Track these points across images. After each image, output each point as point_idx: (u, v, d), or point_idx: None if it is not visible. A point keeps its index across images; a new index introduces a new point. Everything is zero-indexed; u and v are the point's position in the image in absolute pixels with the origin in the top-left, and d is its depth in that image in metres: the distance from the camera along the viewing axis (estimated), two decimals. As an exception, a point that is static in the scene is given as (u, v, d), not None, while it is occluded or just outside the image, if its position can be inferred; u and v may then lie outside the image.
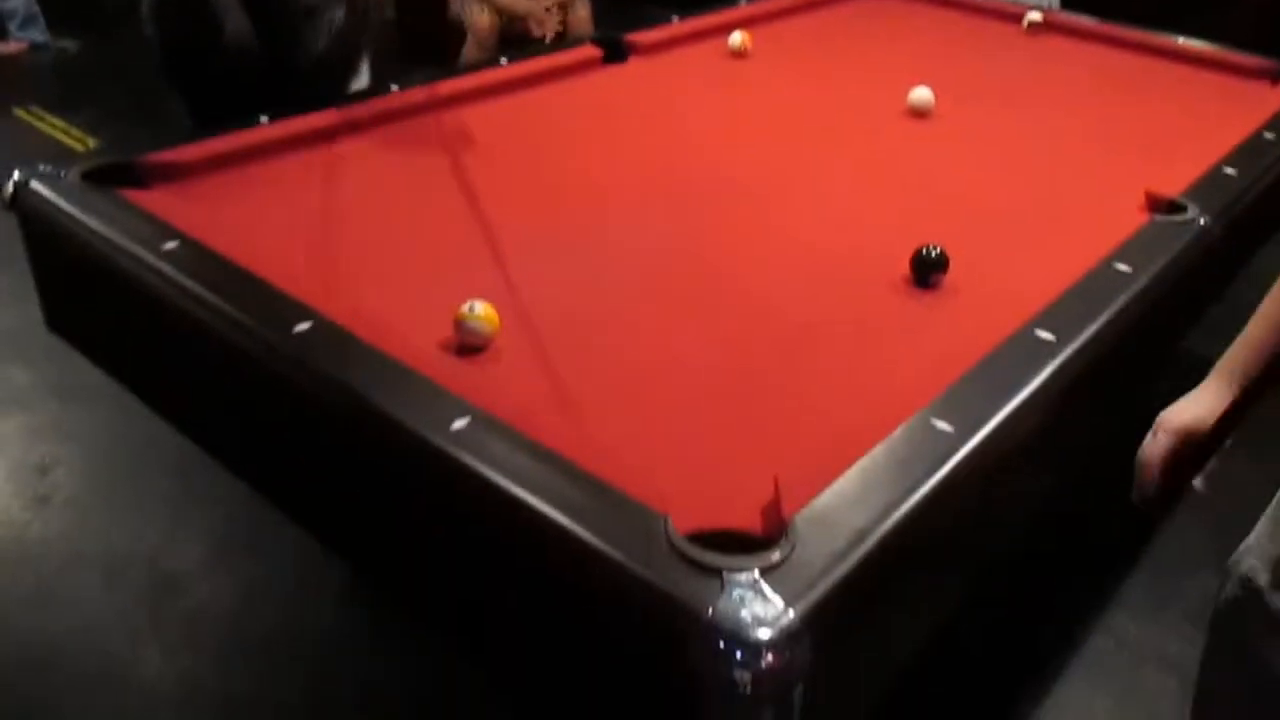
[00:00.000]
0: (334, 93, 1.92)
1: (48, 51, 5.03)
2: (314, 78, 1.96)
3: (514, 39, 3.60)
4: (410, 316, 1.29)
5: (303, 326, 1.20)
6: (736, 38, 2.33)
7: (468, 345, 1.24)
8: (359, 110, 1.82)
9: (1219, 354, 1.16)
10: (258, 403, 1.28)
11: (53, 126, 4.17)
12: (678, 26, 2.39)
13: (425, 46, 4.26)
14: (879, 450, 1.07)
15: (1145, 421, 1.16)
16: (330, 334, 1.20)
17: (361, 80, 2.10)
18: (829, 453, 1.08)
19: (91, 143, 3.98)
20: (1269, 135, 1.99)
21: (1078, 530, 2.20)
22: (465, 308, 1.24)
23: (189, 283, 1.28)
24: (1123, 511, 1.23)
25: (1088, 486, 1.81)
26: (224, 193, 1.59)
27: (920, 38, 2.62)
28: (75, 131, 4.10)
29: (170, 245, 1.35)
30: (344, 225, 1.55)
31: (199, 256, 1.34)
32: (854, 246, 1.58)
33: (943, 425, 1.10)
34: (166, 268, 1.31)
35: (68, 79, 4.84)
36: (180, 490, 2.26)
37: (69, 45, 5.08)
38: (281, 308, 1.24)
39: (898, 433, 1.09)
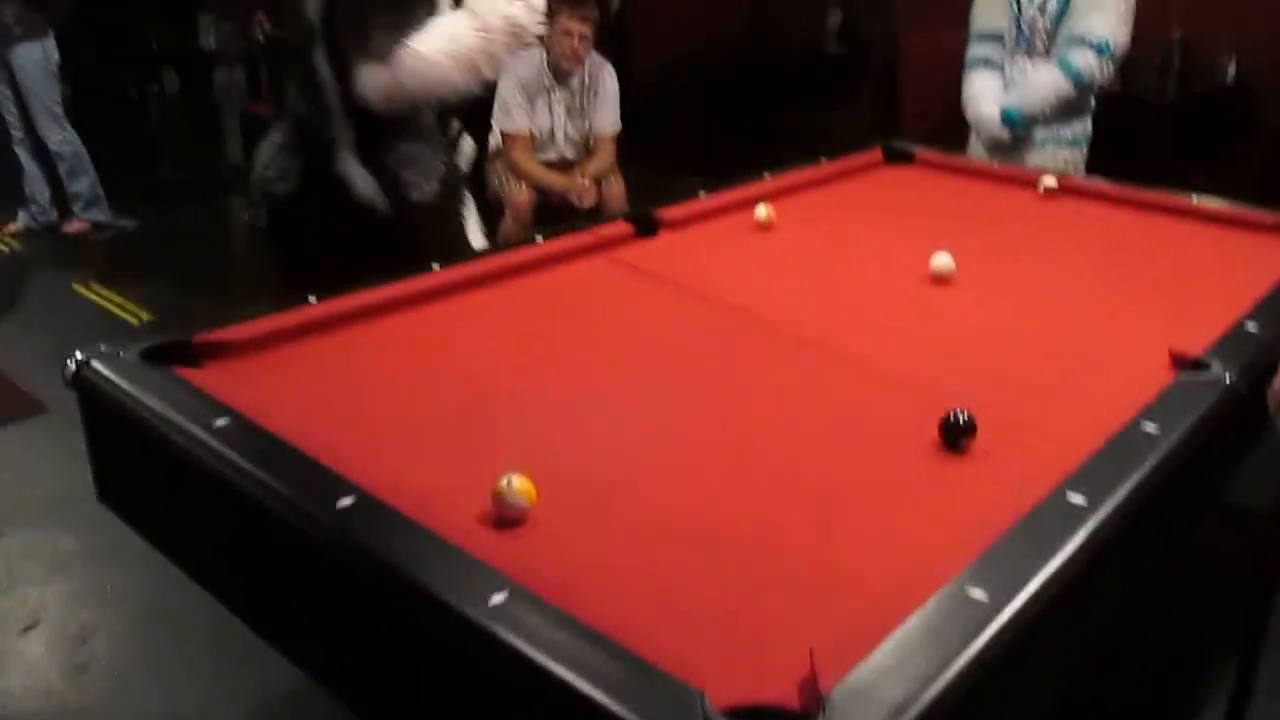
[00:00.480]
0: (442, 241, 2.13)
1: (109, 230, 5.29)
2: (426, 223, 2.25)
3: (552, 213, 3.75)
4: (452, 489, 1.33)
5: (346, 501, 1.24)
6: (762, 210, 2.43)
7: (506, 518, 1.27)
8: (402, 288, 1.90)
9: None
10: (302, 576, 1.31)
11: (109, 301, 4.36)
12: (705, 201, 2.50)
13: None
14: (914, 620, 1.07)
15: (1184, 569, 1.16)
16: (372, 508, 1.24)
17: (471, 227, 2.41)
18: (862, 621, 1.08)
19: (145, 315, 4.14)
20: (1290, 291, 2.03)
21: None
22: (503, 482, 1.27)
23: (237, 458, 1.33)
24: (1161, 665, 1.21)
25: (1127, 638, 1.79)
26: (273, 369, 1.66)
27: (940, 205, 2.72)
28: (131, 305, 4.28)
29: (221, 422, 1.41)
30: (388, 399, 1.61)
31: (248, 433, 1.39)
32: (883, 410, 1.61)
33: (977, 593, 1.11)
34: (217, 444, 1.36)
35: (126, 255, 5.09)
36: (219, 657, 2.26)
37: (128, 224, 5.35)
38: (326, 483, 1.28)
39: (931, 602, 1.09)
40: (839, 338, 1.88)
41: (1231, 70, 4.93)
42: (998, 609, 1.09)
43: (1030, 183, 2.81)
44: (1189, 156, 4.58)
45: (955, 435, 1.47)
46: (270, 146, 2.40)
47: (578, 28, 3.57)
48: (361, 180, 2.27)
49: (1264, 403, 1.65)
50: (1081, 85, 3.28)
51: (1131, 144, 4.61)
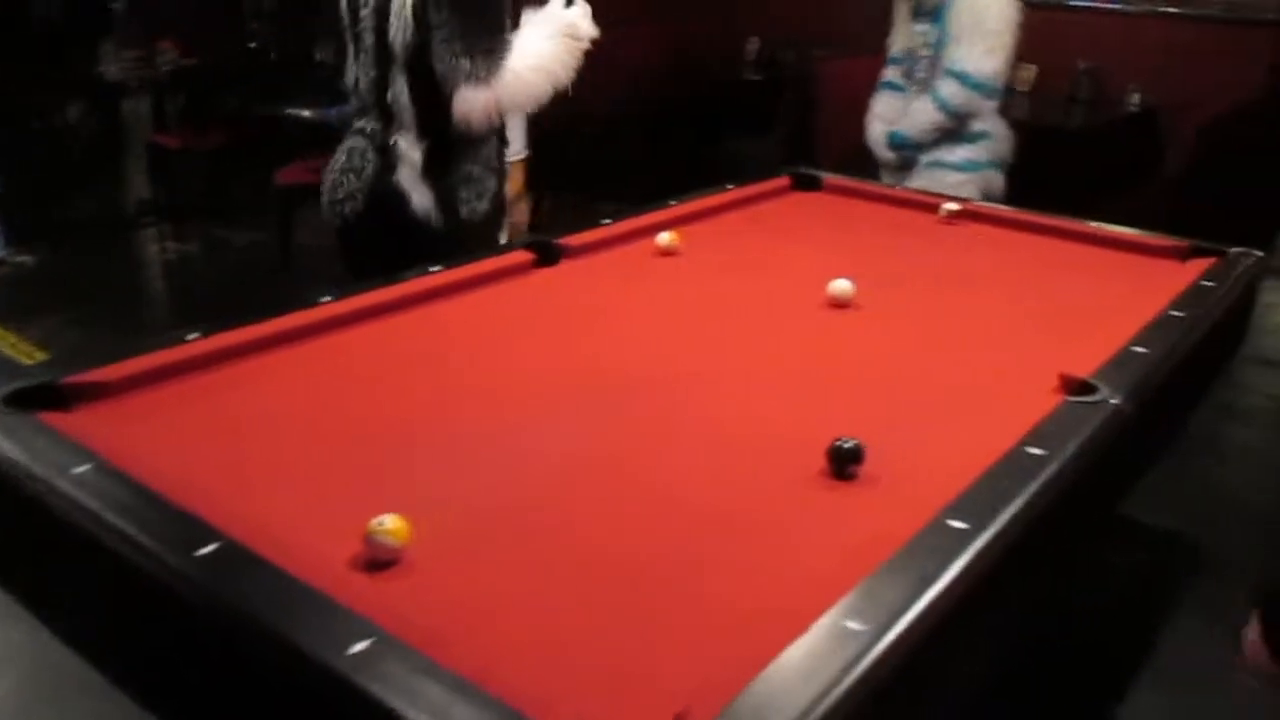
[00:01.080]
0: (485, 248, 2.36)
1: (4, 265, 5.12)
2: (470, 238, 2.43)
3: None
4: (325, 531, 1.28)
5: (207, 549, 1.19)
6: (665, 236, 2.41)
7: (379, 560, 1.23)
8: (287, 322, 1.84)
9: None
10: (164, 629, 1.25)
11: (2, 340, 4.21)
12: (609, 229, 2.48)
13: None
14: (790, 653, 1.05)
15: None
16: (234, 555, 1.18)
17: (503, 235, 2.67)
18: (741, 656, 1.06)
19: (41, 355, 4.00)
20: (1177, 313, 2.06)
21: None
22: (375, 521, 1.23)
23: (96, 506, 1.27)
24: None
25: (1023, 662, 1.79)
26: (145, 411, 1.59)
27: (843, 230, 2.74)
28: (25, 345, 4.13)
29: (80, 469, 1.34)
30: (267, 439, 1.55)
31: (109, 480, 1.32)
32: (773, 438, 1.60)
33: (854, 625, 1.09)
34: (73, 492, 1.30)
35: (23, 292, 4.91)
36: (104, 714, 2.16)
37: (26, 259, 5.18)
38: (187, 530, 1.22)
39: (807, 635, 1.07)
40: (734, 365, 1.87)
41: (1136, 99, 5.08)
42: (875, 639, 1.08)
43: (933, 206, 2.84)
44: (1099, 183, 4.69)
45: (842, 462, 1.46)
46: (333, 171, 2.60)
47: None
48: (418, 195, 2.47)
49: (1157, 423, 1.67)
50: (949, 113, 3.36)
51: (1044, 172, 4.72)
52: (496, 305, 2.09)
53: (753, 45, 6.36)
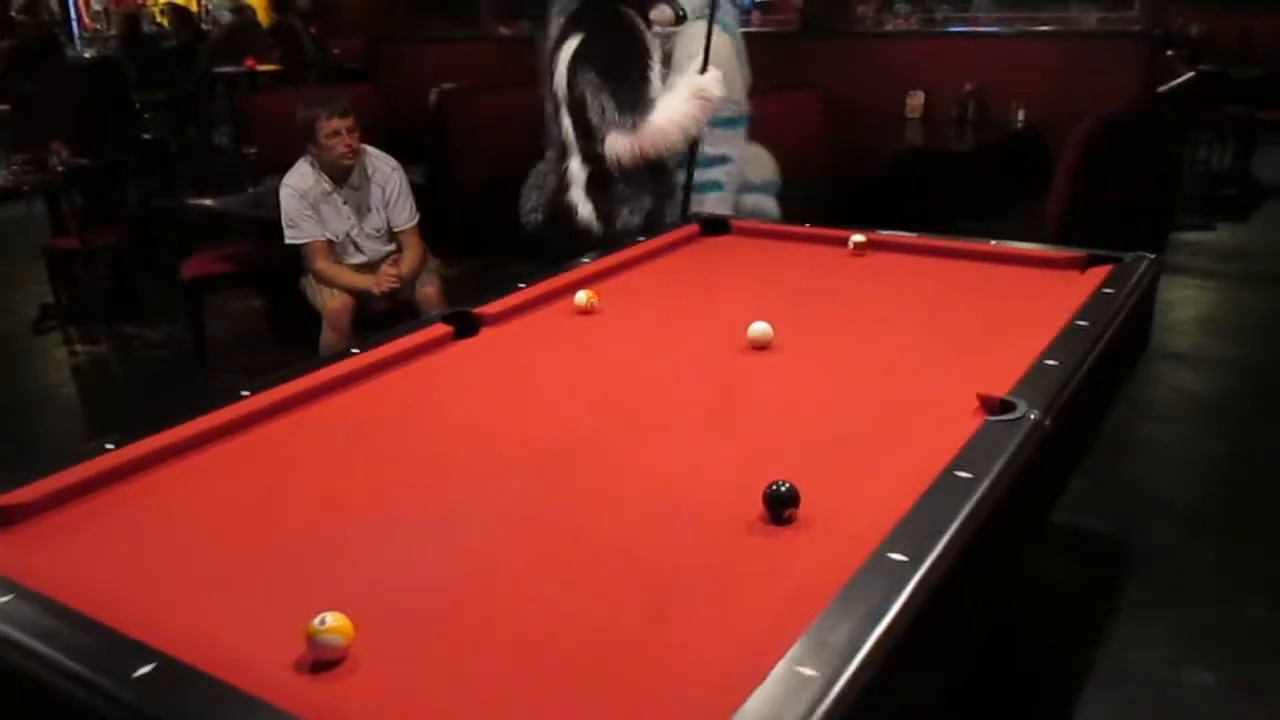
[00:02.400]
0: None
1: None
2: (616, 242, 2.99)
3: (373, 317, 3.68)
4: (266, 636, 1.25)
5: (144, 669, 1.15)
6: (582, 296, 2.43)
7: (323, 660, 1.20)
8: (207, 421, 1.81)
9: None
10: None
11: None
12: (524, 293, 2.48)
13: (292, 334, 4.34)
14: (749, 706, 1.05)
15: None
16: (173, 672, 1.15)
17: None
18: (705, 711, 1.07)
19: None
20: (1083, 322, 2.13)
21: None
22: (316, 621, 1.20)
23: (19, 636, 1.22)
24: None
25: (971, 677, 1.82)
26: (68, 529, 1.54)
27: (756, 272, 2.78)
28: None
29: (2, 600, 1.29)
30: (198, 545, 1.50)
31: (31, 607, 1.28)
32: (709, 488, 1.61)
33: (808, 671, 1.10)
34: (-1, 626, 1.25)
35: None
36: None
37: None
38: (121, 650, 1.18)
39: (762, 687, 1.07)
40: (664, 417, 1.88)
41: (1021, 116, 5.27)
42: (830, 683, 1.08)
43: (839, 241, 2.90)
44: (989, 200, 4.84)
45: (778, 506, 1.47)
46: (526, 189, 3.54)
47: (341, 124, 3.59)
48: (583, 208, 3.28)
49: (1076, 432, 1.72)
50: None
51: (935, 192, 4.87)
52: (421, 381, 2.08)
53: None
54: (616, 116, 3.18)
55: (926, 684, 1.38)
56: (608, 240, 3.12)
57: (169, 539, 1.52)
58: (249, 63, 9.13)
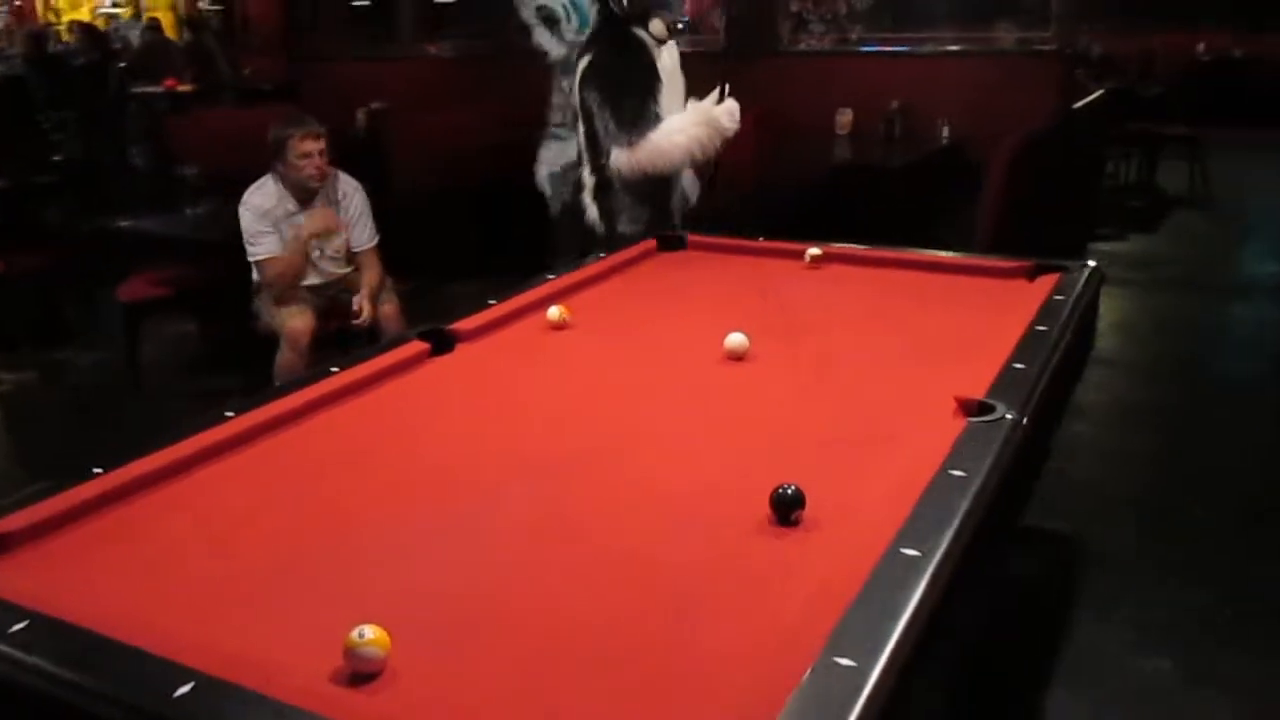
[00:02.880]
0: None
1: None
2: (617, 245, 3.22)
3: (330, 336, 3.64)
4: (300, 651, 1.25)
5: (184, 689, 1.14)
6: (554, 311, 2.45)
7: (362, 673, 1.21)
8: (198, 442, 1.79)
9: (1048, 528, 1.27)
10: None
11: None
12: (496, 309, 2.50)
13: (232, 357, 4.27)
14: (793, 701, 1.09)
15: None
16: (213, 690, 1.14)
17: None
18: (743, 710, 1.10)
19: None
20: (1041, 327, 2.23)
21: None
22: (355, 634, 1.21)
23: (46, 665, 1.20)
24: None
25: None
26: (71, 554, 1.51)
27: (719, 286, 2.84)
28: None
29: (17, 627, 1.27)
30: (208, 563, 1.49)
31: (53, 633, 1.26)
32: (710, 494, 1.65)
33: (846, 661, 1.14)
34: (17, 653, 1.23)
35: None
36: None
37: None
38: (157, 672, 1.17)
39: (805, 680, 1.12)
40: (652, 430, 1.91)
41: (946, 133, 5.44)
42: (868, 671, 1.13)
43: (795, 254, 2.98)
44: (919, 213, 4.99)
45: (786, 509, 1.52)
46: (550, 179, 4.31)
47: (313, 145, 3.57)
48: (591, 211, 3.56)
49: (1045, 431, 1.80)
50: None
51: (867, 207, 5.00)
52: (408, 397, 2.08)
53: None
54: (616, 132, 3.37)
55: (942, 672, 1.43)
56: (611, 240, 3.39)
57: (179, 560, 1.50)
58: (168, 83, 8.92)
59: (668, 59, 3.52)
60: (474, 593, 1.40)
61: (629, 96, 3.42)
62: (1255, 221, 7.04)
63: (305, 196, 3.66)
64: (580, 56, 3.59)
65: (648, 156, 3.39)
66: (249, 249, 3.64)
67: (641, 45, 3.49)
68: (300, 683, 1.18)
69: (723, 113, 3.43)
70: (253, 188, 3.66)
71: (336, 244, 3.77)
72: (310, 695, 1.15)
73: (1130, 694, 2.39)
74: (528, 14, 4.23)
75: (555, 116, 4.51)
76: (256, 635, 1.30)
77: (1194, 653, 2.52)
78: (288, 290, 3.66)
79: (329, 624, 1.25)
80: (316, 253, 3.73)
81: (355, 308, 3.70)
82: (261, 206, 3.60)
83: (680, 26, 3.62)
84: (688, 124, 3.42)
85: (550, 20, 4.17)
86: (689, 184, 3.82)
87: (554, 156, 4.43)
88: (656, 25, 3.48)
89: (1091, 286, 2.61)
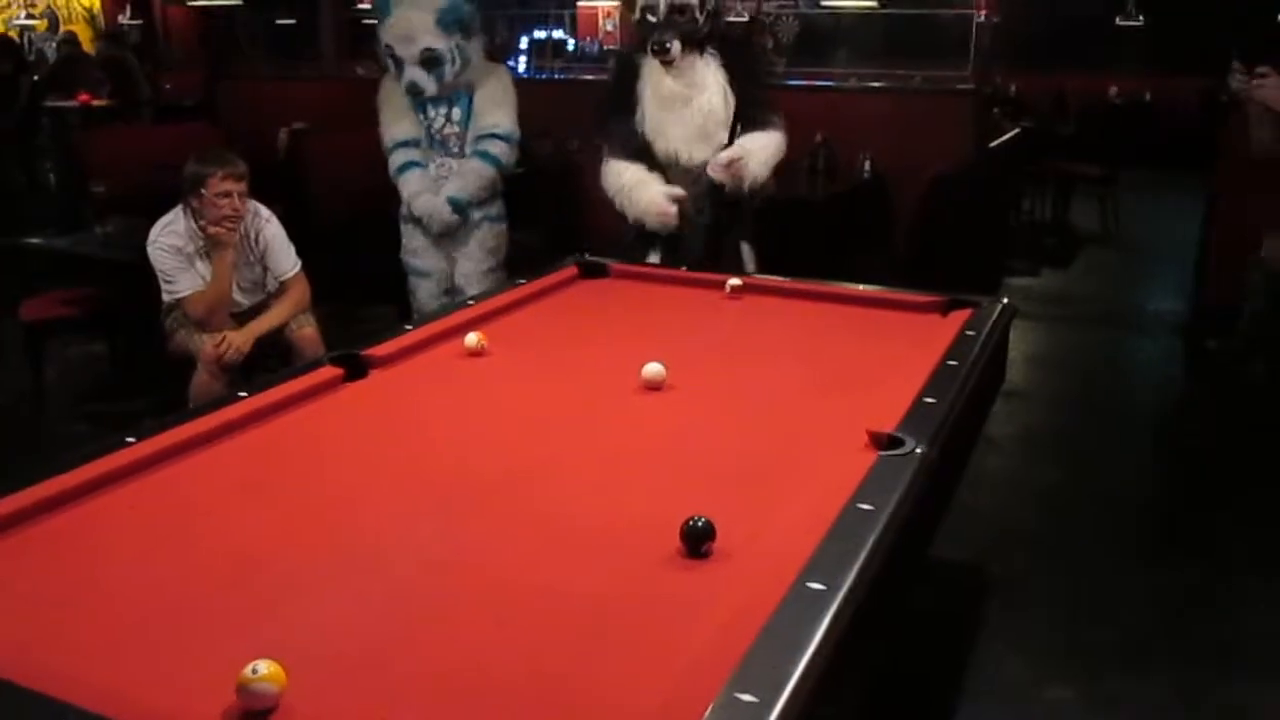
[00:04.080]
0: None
1: None
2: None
3: (246, 359, 3.55)
4: (194, 690, 1.21)
5: (66, 731, 1.10)
6: (472, 338, 2.43)
7: (255, 710, 1.17)
8: (95, 470, 1.73)
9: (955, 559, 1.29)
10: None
11: None
12: (412, 335, 2.47)
13: (142, 379, 4.15)
14: (695, 737, 1.08)
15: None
16: (96, 731, 1.10)
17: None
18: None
19: None
20: (952, 362, 2.28)
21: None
22: (248, 670, 1.18)
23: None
24: None
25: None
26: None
27: (640, 314, 2.85)
28: None
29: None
30: (98, 598, 1.43)
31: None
32: (621, 526, 1.64)
33: (747, 698, 1.14)
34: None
35: None
36: None
37: None
38: (38, 712, 1.13)
39: (707, 715, 1.11)
40: (567, 457, 1.91)
41: (867, 167, 5.55)
42: (770, 706, 1.13)
43: (717, 284, 3.00)
44: (841, 246, 5.07)
45: (697, 541, 1.52)
46: None
47: (234, 186, 3.44)
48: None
49: (949, 465, 1.83)
50: (500, 168, 4.31)
51: (790, 240, 5.06)
52: (315, 424, 2.04)
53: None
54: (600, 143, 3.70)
55: (846, 705, 1.44)
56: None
57: (69, 595, 1.44)
58: (82, 97, 8.70)
59: (672, 83, 3.55)
60: (376, 627, 1.37)
61: (606, 118, 3.69)
62: (1162, 258, 7.28)
63: (228, 232, 3.56)
64: None
65: (603, 169, 3.65)
66: (167, 287, 3.52)
67: (628, 67, 3.68)
68: (189, 721, 1.14)
69: (651, 206, 3.54)
70: (161, 225, 3.51)
71: (251, 277, 3.68)
72: (198, 735, 1.11)
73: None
74: (407, 52, 4.13)
75: (408, 142, 4.40)
76: (144, 672, 1.25)
77: (1096, 682, 2.57)
78: (215, 321, 3.55)
79: (223, 661, 1.21)
80: (233, 287, 3.63)
81: (227, 342, 3.49)
82: (174, 245, 3.49)
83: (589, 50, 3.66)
84: (630, 183, 3.58)
85: (434, 62, 4.13)
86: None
87: (423, 185, 4.33)
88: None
89: (1003, 322, 2.66)
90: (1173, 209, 8.11)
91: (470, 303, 2.76)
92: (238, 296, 3.66)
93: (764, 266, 3.65)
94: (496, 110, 4.29)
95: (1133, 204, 8.31)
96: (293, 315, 3.66)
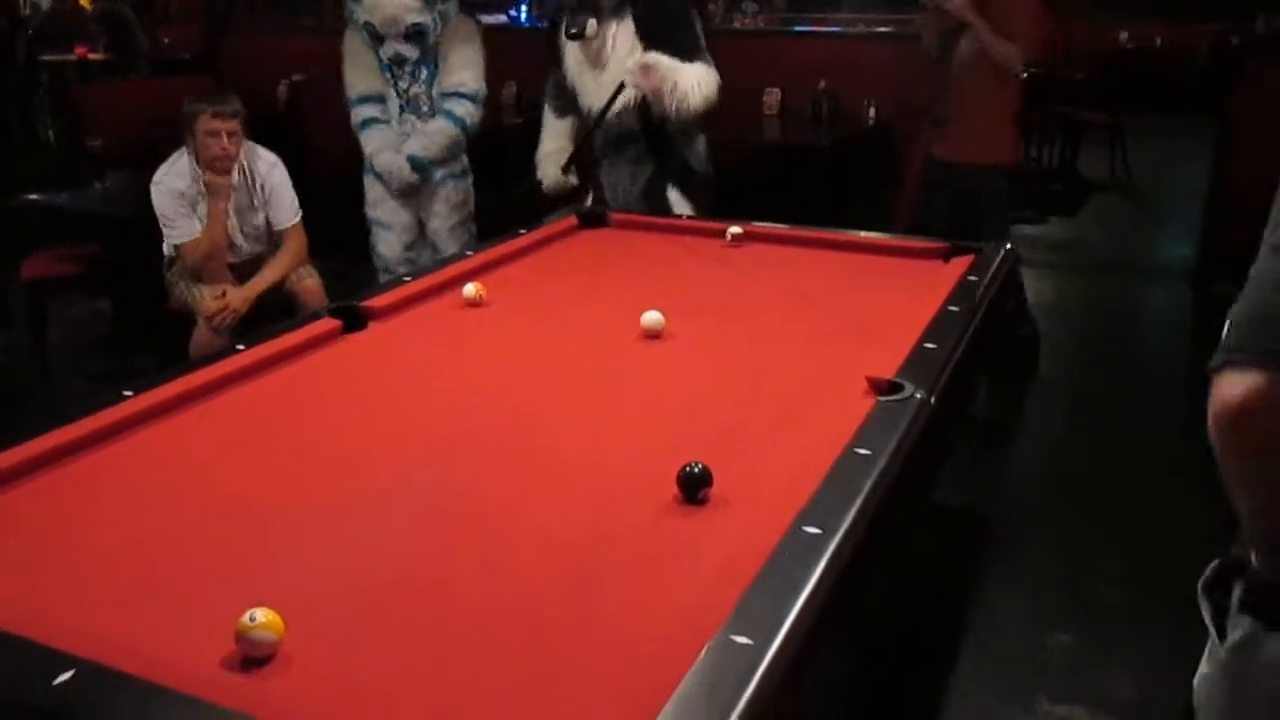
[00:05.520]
0: None
1: None
2: None
3: (250, 318, 3.54)
4: (191, 637, 1.22)
5: (63, 677, 1.10)
6: (470, 288, 2.42)
7: (254, 657, 1.18)
8: (95, 423, 1.73)
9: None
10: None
11: None
12: (411, 286, 2.46)
13: (145, 336, 4.15)
14: (688, 680, 1.09)
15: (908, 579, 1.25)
16: (95, 677, 1.11)
17: None
18: (642, 692, 1.10)
19: None
20: (953, 308, 2.26)
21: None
22: (246, 618, 1.18)
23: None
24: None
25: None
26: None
27: (640, 263, 2.83)
28: None
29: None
30: (99, 548, 1.44)
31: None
32: (620, 473, 1.64)
33: (743, 640, 1.14)
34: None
35: None
36: None
37: None
38: (34, 660, 1.13)
39: (701, 658, 1.12)
40: (565, 409, 1.90)
41: (872, 113, 5.48)
42: (764, 650, 1.13)
43: (716, 233, 2.98)
44: (845, 193, 5.03)
45: (693, 487, 1.52)
46: None
47: (222, 125, 3.45)
48: None
49: (949, 411, 1.82)
50: (465, 128, 4.09)
51: (795, 187, 5.02)
52: (316, 377, 2.04)
53: (509, 90, 6.42)
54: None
55: (843, 649, 1.44)
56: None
57: (69, 547, 1.45)
58: (79, 51, 8.61)
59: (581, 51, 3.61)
60: (374, 575, 1.38)
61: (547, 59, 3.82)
62: (1170, 206, 7.21)
63: (218, 175, 3.55)
64: None
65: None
66: (166, 232, 3.52)
67: (554, 26, 3.72)
68: (188, 668, 1.15)
69: (551, 185, 3.87)
70: (165, 166, 3.53)
71: (255, 221, 3.67)
72: (197, 680, 1.12)
73: (1036, 668, 2.44)
74: (390, 31, 3.99)
75: (368, 98, 4.27)
76: (143, 622, 1.26)
77: (1097, 626, 2.58)
78: (211, 269, 3.55)
79: (222, 609, 1.22)
80: (236, 233, 3.62)
81: (225, 300, 3.46)
82: (175, 188, 3.48)
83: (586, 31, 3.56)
84: (540, 155, 3.91)
85: (418, 35, 4.01)
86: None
87: (385, 141, 4.18)
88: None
89: (1006, 266, 2.64)
90: (1182, 155, 8.01)
91: (469, 254, 2.74)
92: (241, 242, 3.65)
93: (705, 213, 3.60)
94: (463, 69, 4.12)
95: (1142, 151, 8.21)
96: (290, 270, 3.64)
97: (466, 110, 4.09)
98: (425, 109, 4.13)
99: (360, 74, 4.22)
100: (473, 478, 1.64)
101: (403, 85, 4.13)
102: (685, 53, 3.51)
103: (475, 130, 4.16)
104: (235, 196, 3.56)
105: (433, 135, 4.07)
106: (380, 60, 4.10)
